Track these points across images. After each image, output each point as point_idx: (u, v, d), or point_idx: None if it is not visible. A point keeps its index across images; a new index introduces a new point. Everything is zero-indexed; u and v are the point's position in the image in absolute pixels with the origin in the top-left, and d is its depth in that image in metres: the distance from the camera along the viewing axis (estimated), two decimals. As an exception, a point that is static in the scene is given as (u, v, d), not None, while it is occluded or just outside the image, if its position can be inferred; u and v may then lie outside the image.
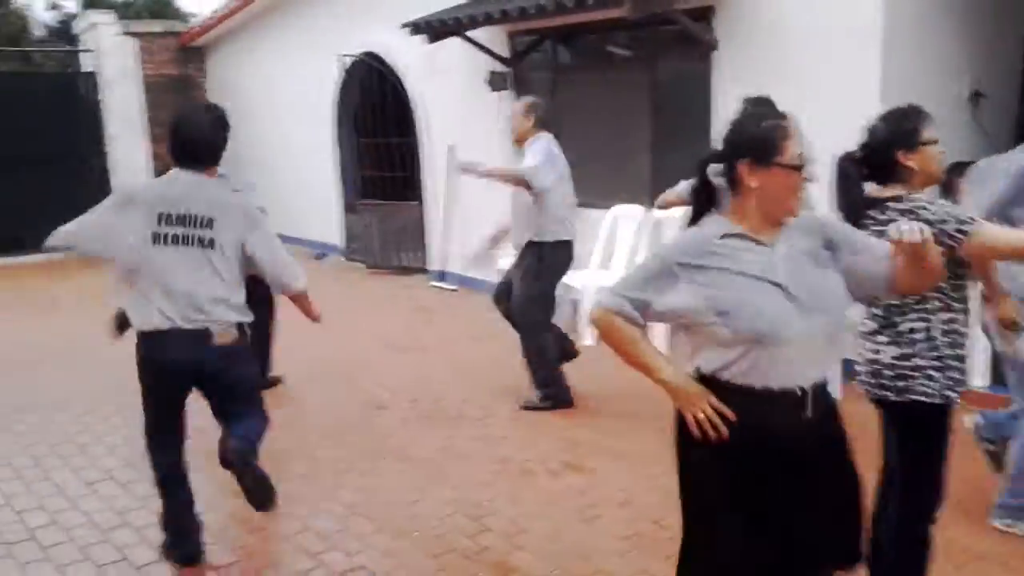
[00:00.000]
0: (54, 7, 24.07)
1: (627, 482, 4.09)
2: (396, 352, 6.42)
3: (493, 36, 7.63)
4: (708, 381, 2.12)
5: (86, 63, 12.03)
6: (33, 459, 4.54)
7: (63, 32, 21.72)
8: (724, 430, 2.07)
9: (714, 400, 2.09)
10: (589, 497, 3.95)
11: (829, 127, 5.40)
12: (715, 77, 6.08)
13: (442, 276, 8.91)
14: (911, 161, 2.57)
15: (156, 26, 12.97)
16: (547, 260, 5.04)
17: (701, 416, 2.09)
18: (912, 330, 2.55)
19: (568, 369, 5.45)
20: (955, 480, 2.75)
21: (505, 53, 7.70)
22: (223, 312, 3.17)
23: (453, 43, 7.59)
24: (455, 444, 4.61)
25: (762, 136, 2.08)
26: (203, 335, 3.14)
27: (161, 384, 3.29)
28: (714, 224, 2.15)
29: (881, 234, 2.46)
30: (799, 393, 2.07)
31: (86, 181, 11.31)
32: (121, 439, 4.77)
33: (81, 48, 12.41)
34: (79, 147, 11.40)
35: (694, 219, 2.21)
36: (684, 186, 4.80)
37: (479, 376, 5.76)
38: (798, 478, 2.09)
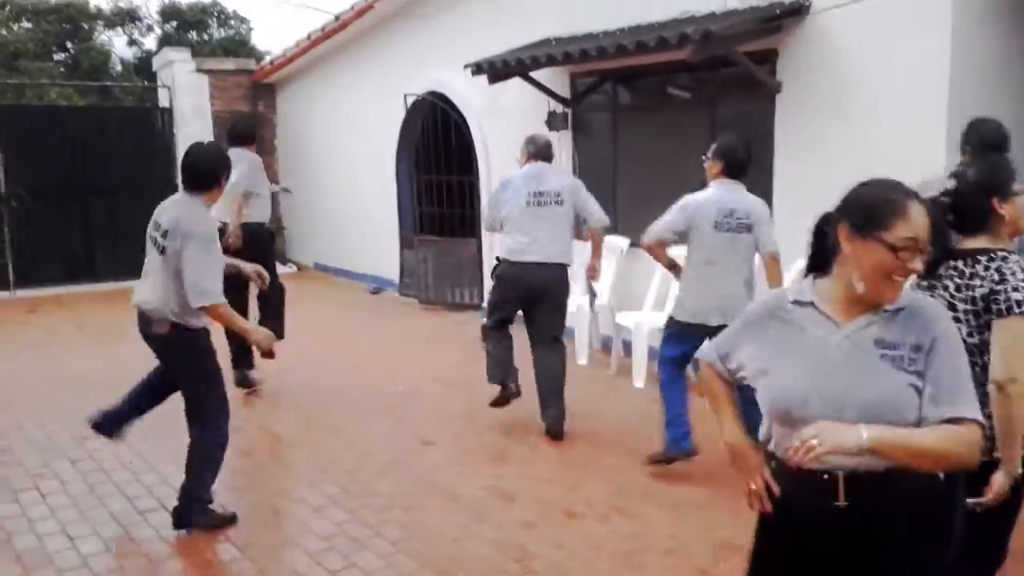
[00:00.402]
0: (133, 44, 25.09)
1: (675, 530, 3.99)
2: (445, 387, 6.41)
3: (554, 76, 7.69)
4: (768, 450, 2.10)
5: (162, 98, 12.45)
6: (89, 487, 4.62)
7: (142, 68, 22.62)
8: (768, 505, 2.06)
9: (765, 473, 2.07)
10: (635, 543, 3.86)
11: (893, 173, 5.32)
12: (778, 119, 6.03)
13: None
14: (1004, 210, 2.50)
15: (229, 64, 13.39)
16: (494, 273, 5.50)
17: (752, 487, 2.08)
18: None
19: (621, 412, 5.38)
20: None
21: (566, 93, 7.75)
22: (161, 308, 3.91)
23: (515, 83, 7.67)
24: (501, 483, 4.56)
25: (872, 202, 1.92)
26: (148, 320, 3.99)
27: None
28: (798, 287, 2.08)
29: (960, 288, 2.45)
30: (825, 477, 1.91)
31: (151, 211, 11.63)
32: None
33: (158, 84, 12.86)
34: (152, 180, 11.72)
35: (806, 275, 2.12)
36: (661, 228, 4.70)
37: (528, 415, 5.71)
38: (820, 569, 2.00)
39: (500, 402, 5.37)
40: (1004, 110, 5.35)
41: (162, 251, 3.91)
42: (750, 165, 4.68)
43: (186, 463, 4.05)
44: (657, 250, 4.71)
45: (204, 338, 4.05)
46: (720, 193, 4.59)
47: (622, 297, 7.13)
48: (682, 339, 4.52)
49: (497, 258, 5.43)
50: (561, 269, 5.32)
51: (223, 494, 4.30)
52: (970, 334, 2.50)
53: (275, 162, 13.31)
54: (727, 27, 5.56)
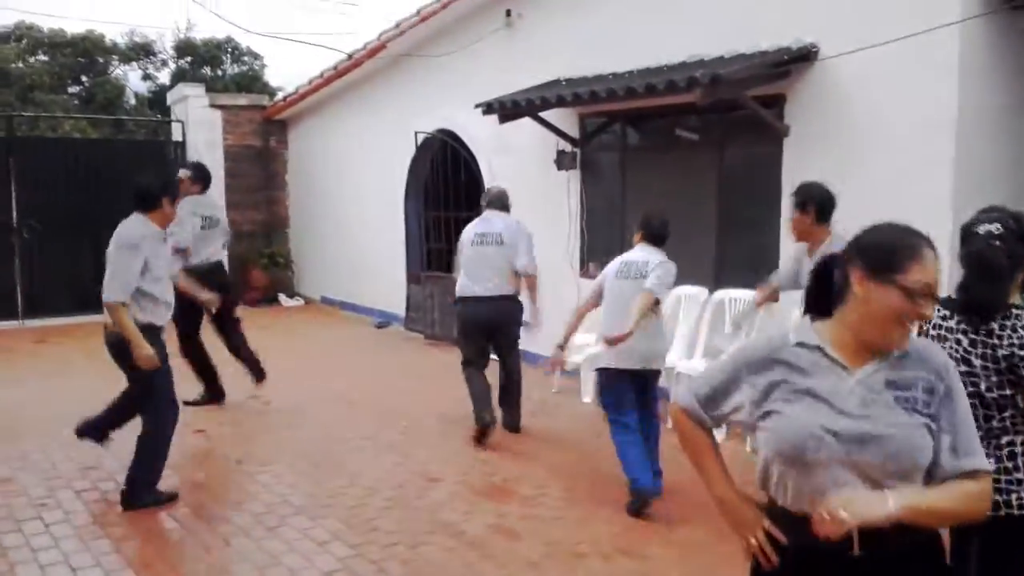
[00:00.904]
0: (148, 78, 25.47)
1: (680, 571, 3.97)
2: (449, 423, 6.40)
3: (563, 116, 7.78)
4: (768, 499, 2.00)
5: (175, 132, 12.59)
6: (92, 516, 4.61)
7: (156, 102, 22.92)
8: (775, 558, 1.95)
9: (767, 524, 1.97)
10: (640, 585, 3.83)
11: (901, 216, 5.35)
12: (785, 163, 6.08)
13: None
14: None
15: (241, 99, 13.57)
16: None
17: (753, 542, 1.98)
18: (1012, 442, 2.48)
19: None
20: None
21: (575, 133, 7.83)
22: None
23: (525, 122, 7.76)
24: (506, 521, 4.54)
25: (888, 245, 1.90)
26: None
27: None
28: (799, 329, 2.00)
29: (975, 343, 2.44)
30: None
31: (168, 244, 11.76)
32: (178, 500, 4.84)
33: (171, 118, 13.02)
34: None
35: (804, 315, 2.06)
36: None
37: (533, 453, 5.70)
38: None
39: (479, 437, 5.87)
40: (1010, 153, 5.42)
41: (105, 256, 4.75)
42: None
43: (135, 451, 4.72)
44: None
45: (150, 335, 4.58)
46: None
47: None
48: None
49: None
50: (509, 300, 6.11)
51: (242, 524, 4.29)
52: (989, 389, 2.48)
53: (286, 197, 13.43)
54: (735, 71, 5.64)
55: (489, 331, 6.10)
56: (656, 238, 5.03)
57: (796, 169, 5.98)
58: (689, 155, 7.15)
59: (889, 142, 5.41)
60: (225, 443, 5.86)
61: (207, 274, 6.62)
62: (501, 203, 6.21)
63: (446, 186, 9.69)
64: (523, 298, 6.20)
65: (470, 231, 6.14)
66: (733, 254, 6.62)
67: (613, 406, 4.88)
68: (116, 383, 7.32)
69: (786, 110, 6.06)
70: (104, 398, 6.96)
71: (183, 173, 6.95)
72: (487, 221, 6.14)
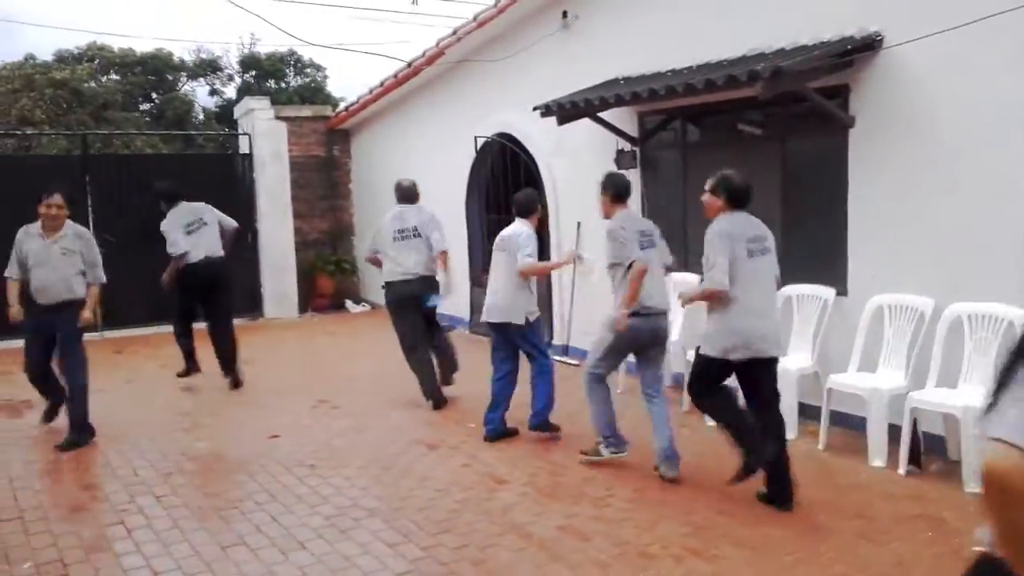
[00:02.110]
0: (215, 93, 26.14)
1: (753, 572, 3.91)
2: (516, 425, 6.42)
3: (622, 115, 7.75)
4: None
5: (242, 145, 12.90)
6: (173, 521, 4.75)
7: (223, 116, 23.51)
8: None
9: None
10: (712, 586, 3.79)
11: (976, 204, 5.20)
12: (851, 155, 5.95)
13: (565, 351, 8.92)
14: None
15: (306, 111, 13.83)
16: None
17: None
18: None
19: (694, 451, 5.32)
20: None
21: (634, 132, 7.79)
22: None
23: (583, 122, 7.75)
24: (575, 522, 4.54)
25: None
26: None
27: None
28: None
29: None
30: None
31: (240, 256, 12.09)
32: (254, 504, 4.95)
33: (238, 131, 13.34)
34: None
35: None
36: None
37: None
38: None
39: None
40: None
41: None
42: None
43: (71, 402, 6.16)
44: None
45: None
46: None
47: (692, 334, 7.07)
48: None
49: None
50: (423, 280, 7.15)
51: (316, 527, 4.38)
52: None
53: (350, 205, 13.64)
54: (797, 63, 5.53)
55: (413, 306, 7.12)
56: (523, 212, 6.24)
57: (863, 160, 5.86)
58: (751, 149, 7.05)
59: (961, 128, 5.25)
60: (298, 448, 5.98)
61: (202, 268, 7.77)
62: (410, 196, 7.40)
63: (506, 189, 9.73)
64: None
65: (387, 228, 7.25)
66: (798, 249, 6.50)
67: (496, 354, 6.33)
68: (188, 390, 7.57)
69: (851, 100, 5.93)
70: (177, 407, 7.22)
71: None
72: (401, 218, 7.25)
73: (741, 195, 4.76)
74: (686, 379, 6.58)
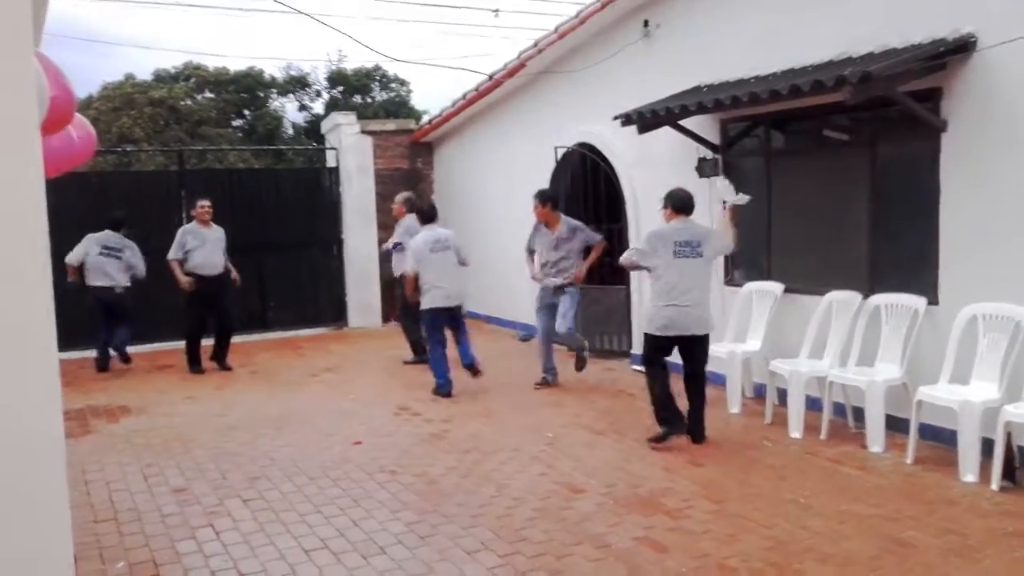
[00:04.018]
0: (303, 108, 26.87)
1: (837, 589, 3.80)
2: (594, 434, 6.41)
3: (704, 123, 7.67)
4: None
5: (330, 159, 13.23)
6: (259, 525, 4.90)
7: (311, 131, 24.15)
8: None
9: None
10: (794, 602, 3.70)
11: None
12: (944, 160, 5.75)
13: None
14: None
15: (390, 125, 14.10)
16: None
17: None
18: None
19: (775, 463, 5.21)
20: None
21: (716, 139, 7.70)
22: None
23: (663, 131, 7.69)
24: (652, 534, 4.49)
25: None
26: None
27: None
28: None
29: None
30: None
31: (327, 267, 12.42)
32: (337, 509, 5.07)
33: (326, 146, 13.68)
34: (321, 235, 12.47)
35: None
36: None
37: (680, 464, 5.62)
38: None
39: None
40: None
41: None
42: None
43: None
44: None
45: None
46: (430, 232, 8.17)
47: (775, 344, 6.94)
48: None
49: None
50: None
51: (397, 532, 4.47)
52: None
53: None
54: (886, 67, 5.39)
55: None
56: (432, 218, 8.25)
57: (956, 165, 5.67)
58: (838, 155, 6.88)
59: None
60: (381, 453, 6.09)
61: (208, 280, 9.33)
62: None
63: (586, 198, 9.73)
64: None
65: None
66: (888, 256, 6.31)
67: (433, 331, 7.98)
68: (277, 396, 7.78)
69: (943, 104, 5.74)
70: (265, 412, 7.44)
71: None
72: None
73: (680, 205, 6.12)
74: (768, 391, 6.49)
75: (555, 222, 8.00)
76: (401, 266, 8.99)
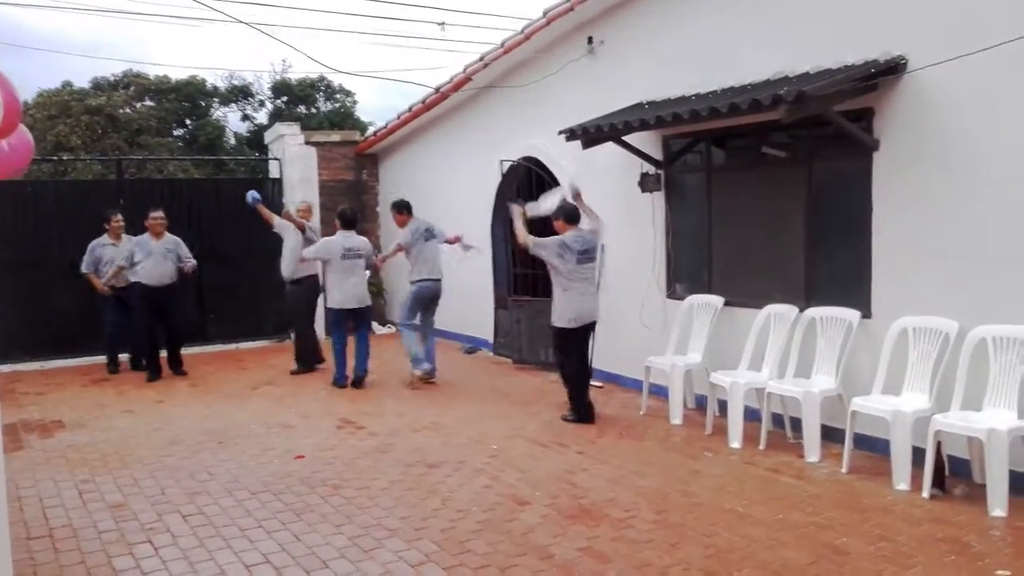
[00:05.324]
0: (246, 119, 26.55)
1: (775, 596, 3.88)
2: (538, 447, 6.44)
3: (647, 139, 7.80)
4: None
5: (273, 170, 13.10)
6: (199, 540, 4.82)
7: (254, 141, 23.87)
8: None
9: None
10: (733, 609, 3.77)
11: (1000, 226, 5.17)
12: (876, 178, 5.95)
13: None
14: None
15: (335, 136, 14.02)
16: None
17: None
18: None
19: (715, 474, 5.29)
20: None
21: (658, 155, 7.83)
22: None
23: (608, 146, 7.80)
24: (596, 544, 4.54)
25: None
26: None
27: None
28: None
29: None
30: None
31: (269, 279, 12.24)
32: (279, 523, 5.01)
33: (269, 156, 13.54)
34: (263, 245, 12.29)
35: None
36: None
37: (623, 475, 5.68)
38: None
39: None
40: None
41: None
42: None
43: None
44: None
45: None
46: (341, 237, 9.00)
47: (716, 356, 7.07)
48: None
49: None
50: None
51: (340, 546, 4.43)
52: None
53: (377, 228, 13.78)
54: (820, 87, 5.56)
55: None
56: (351, 224, 9.03)
57: (887, 182, 5.86)
58: (776, 172, 7.06)
59: (987, 151, 5.24)
60: (322, 468, 6.04)
61: (156, 291, 9.51)
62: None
63: (530, 212, 9.79)
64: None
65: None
66: (824, 271, 6.49)
67: (336, 329, 8.97)
68: (217, 410, 7.66)
69: (875, 124, 5.94)
70: (206, 426, 7.32)
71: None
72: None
73: (571, 217, 7.20)
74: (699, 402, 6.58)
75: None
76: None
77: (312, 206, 10.07)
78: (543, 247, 7.12)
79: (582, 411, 7.18)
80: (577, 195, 7.39)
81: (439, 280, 9.12)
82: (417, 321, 9.06)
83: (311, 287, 9.83)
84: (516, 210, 7.56)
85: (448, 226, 11.74)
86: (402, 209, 9.27)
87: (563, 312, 7.10)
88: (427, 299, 9.09)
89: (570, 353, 7.23)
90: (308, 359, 9.90)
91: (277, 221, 9.90)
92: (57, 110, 20.85)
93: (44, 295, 10.71)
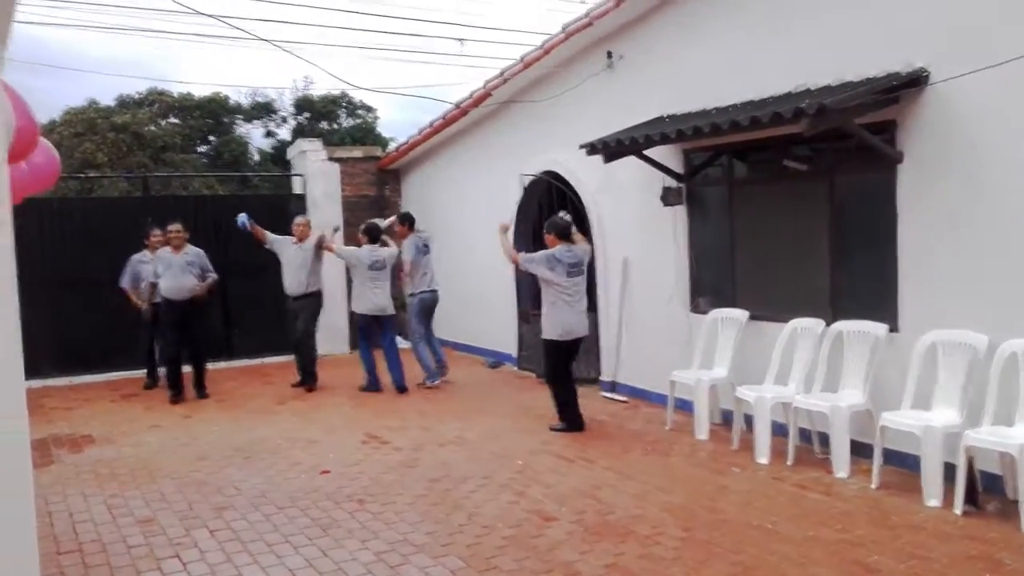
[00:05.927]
0: (270, 135, 26.78)
1: (804, 613, 3.85)
2: (564, 462, 6.44)
3: (668, 153, 7.80)
4: None
5: (296, 186, 13.19)
6: (226, 556, 4.86)
7: (278, 157, 24.06)
8: None
9: None
10: (762, 626, 3.75)
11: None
12: (900, 190, 5.92)
13: (612, 387, 8.92)
14: None
15: (357, 152, 14.12)
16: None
17: None
18: None
19: (743, 490, 5.26)
20: None
21: (680, 169, 7.83)
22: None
23: (629, 160, 7.81)
24: (623, 561, 4.53)
25: None
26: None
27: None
28: None
29: None
30: None
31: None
32: (305, 539, 5.04)
33: (292, 172, 13.65)
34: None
35: None
36: None
37: (649, 491, 5.66)
38: None
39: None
40: None
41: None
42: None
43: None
44: None
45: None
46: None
47: (741, 371, 7.04)
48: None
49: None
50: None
51: (366, 561, 4.44)
52: None
53: (400, 244, 13.81)
54: (842, 100, 5.54)
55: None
56: (376, 238, 9.56)
57: (912, 195, 5.83)
58: (799, 185, 7.04)
59: (1012, 165, 5.20)
60: (348, 483, 6.06)
61: (177, 305, 9.42)
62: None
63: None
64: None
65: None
66: (850, 284, 6.45)
67: (363, 336, 9.55)
68: (244, 425, 7.71)
69: (898, 136, 5.91)
70: (232, 441, 7.37)
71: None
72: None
73: (563, 232, 7.36)
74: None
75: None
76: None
77: (310, 222, 10.27)
78: (532, 261, 7.37)
79: (572, 420, 7.41)
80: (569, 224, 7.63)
81: (436, 291, 9.82)
82: (423, 329, 9.72)
83: (317, 302, 10.01)
84: (500, 227, 7.91)
85: (470, 241, 11.86)
86: (404, 221, 9.90)
87: (553, 325, 7.32)
88: (429, 308, 9.75)
89: (558, 365, 7.47)
90: (308, 374, 9.90)
91: (270, 238, 10.07)
92: (83, 127, 21.11)
93: (72, 311, 10.83)
